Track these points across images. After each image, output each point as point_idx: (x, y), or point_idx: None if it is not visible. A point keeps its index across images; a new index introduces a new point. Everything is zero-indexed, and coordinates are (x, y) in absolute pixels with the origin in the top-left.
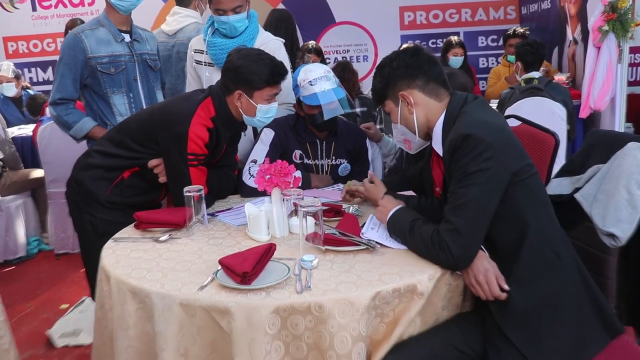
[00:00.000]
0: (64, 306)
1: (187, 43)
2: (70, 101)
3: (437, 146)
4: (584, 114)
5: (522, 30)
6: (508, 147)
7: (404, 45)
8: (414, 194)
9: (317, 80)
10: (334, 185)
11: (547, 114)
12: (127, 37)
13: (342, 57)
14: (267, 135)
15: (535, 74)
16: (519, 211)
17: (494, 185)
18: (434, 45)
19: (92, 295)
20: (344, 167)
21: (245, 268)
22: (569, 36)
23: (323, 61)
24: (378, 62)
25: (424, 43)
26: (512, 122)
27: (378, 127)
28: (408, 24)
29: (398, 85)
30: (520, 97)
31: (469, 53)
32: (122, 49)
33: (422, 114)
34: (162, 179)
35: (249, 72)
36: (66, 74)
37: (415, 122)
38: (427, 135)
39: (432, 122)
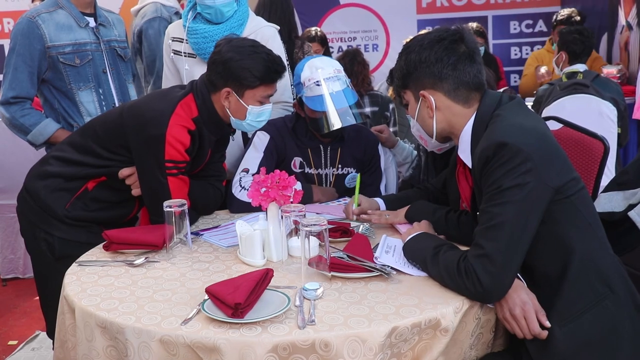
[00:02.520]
0: (12, 342)
1: (142, 28)
2: (26, 100)
3: (465, 155)
4: (638, 114)
5: (574, 14)
6: (550, 158)
7: (441, 28)
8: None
9: (326, 81)
10: (340, 200)
11: (594, 114)
12: (91, 22)
13: (348, 46)
14: (261, 139)
15: (580, 67)
16: (562, 234)
17: (533, 204)
18: None
19: (48, 329)
20: (352, 177)
21: (237, 298)
22: (622, 20)
23: (327, 51)
24: (393, 50)
25: (456, 25)
26: (552, 125)
27: (392, 129)
28: (426, 6)
29: (422, 81)
30: (561, 94)
31: (498, 41)
32: (86, 36)
33: (444, 119)
34: (136, 191)
35: (241, 67)
36: (20, 67)
37: (435, 126)
38: (447, 139)
39: (457, 128)
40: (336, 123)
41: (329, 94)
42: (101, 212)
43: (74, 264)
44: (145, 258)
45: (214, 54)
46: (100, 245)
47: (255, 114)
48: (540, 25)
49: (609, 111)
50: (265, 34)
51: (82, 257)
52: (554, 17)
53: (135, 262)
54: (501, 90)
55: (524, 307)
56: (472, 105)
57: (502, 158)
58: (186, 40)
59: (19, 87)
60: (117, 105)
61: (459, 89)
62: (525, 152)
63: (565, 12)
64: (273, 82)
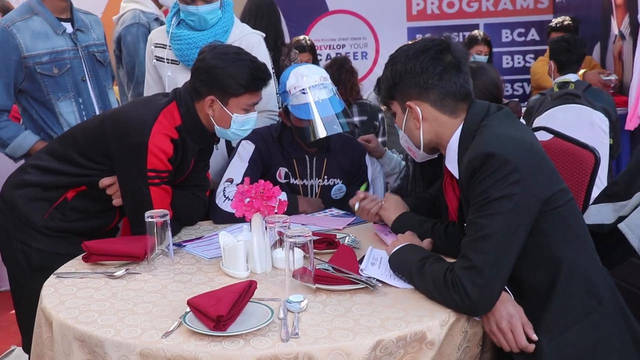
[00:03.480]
0: None
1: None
2: (2, 112)
3: (452, 166)
4: (631, 125)
5: (566, 20)
6: (538, 169)
7: (427, 37)
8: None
9: (312, 89)
10: (326, 210)
11: (585, 125)
12: (68, 27)
13: (337, 54)
14: (246, 149)
15: (571, 77)
16: (550, 246)
17: (520, 215)
18: None
19: (24, 342)
20: (338, 188)
21: (219, 311)
22: (614, 30)
23: (315, 59)
24: (383, 57)
25: (442, 35)
26: (542, 136)
27: (380, 139)
28: (417, 13)
29: (407, 92)
30: (552, 104)
31: None
32: (64, 43)
33: (431, 129)
34: (117, 201)
35: (225, 75)
36: None
37: (422, 137)
38: (435, 149)
39: (444, 139)
40: (322, 132)
41: (314, 102)
42: (81, 223)
43: (52, 275)
44: (126, 270)
45: (198, 62)
46: (80, 257)
47: (239, 123)
48: (533, 34)
49: (601, 121)
50: (251, 41)
51: (61, 269)
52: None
53: (115, 274)
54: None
55: (511, 320)
56: (459, 116)
57: (489, 169)
58: (169, 46)
59: None
60: (97, 113)
61: (445, 99)
62: (513, 163)
63: (557, 20)
64: (258, 89)
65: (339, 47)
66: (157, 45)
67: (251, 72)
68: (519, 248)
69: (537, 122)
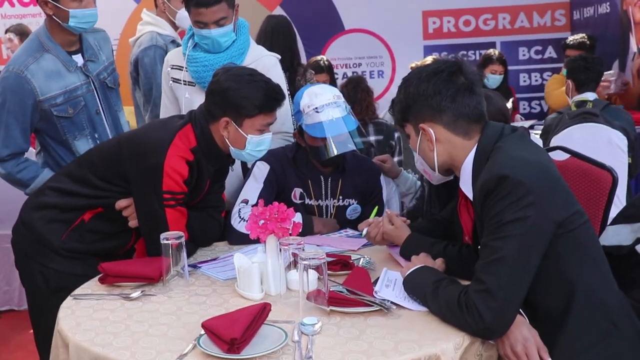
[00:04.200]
0: None
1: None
2: (20, 154)
3: (466, 188)
4: None
5: (582, 38)
6: (552, 191)
7: (439, 59)
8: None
9: (325, 107)
10: (341, 231)
11: (603, 144)
12: (79, 60)
13: (353, 72)
14: (261, 170)
15: (590, 96)
16: (564, 269)
17: (534, 238)
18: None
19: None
20: (353, 209)
21: (234, 333)
22: (633, 47)
23: (332, 80)
24: (399, 76)
25: (452, 56)
26: (559, 155)
27: (396, 159)
28: (433, 32)
29: (420, 114)
30: (570, 123)
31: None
32: (76, 79)
33: (445, 151)
34: (133, 222)
35: (239, 97)
36: (12, 124)
37: (436, 159)
38: (449, 171)
39: (458, 160)
40: (336, 150)
41: (328, 121)
42: (98, 244)
43: (69, 297)
44: (142, 291)
45: (212, 84)
46: (96, 278)
47: (254, 144)
48: (550, 52)
49: (619, 140)
50: (266, 63)
51: (78, 290)
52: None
53: (131, 296)
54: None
55: (526, 344)
56: (473, 137)
57: (503, 191)
58: (186, 68)
59: (12, 144)
60: None
61: (459, 120)
62: (527, 185)
63: (573, 37)
64: (272, 110)
65: (355, 65)
66: (174, 67)
67: (265, 93)
68: (533, 271)
69: (554, 141)
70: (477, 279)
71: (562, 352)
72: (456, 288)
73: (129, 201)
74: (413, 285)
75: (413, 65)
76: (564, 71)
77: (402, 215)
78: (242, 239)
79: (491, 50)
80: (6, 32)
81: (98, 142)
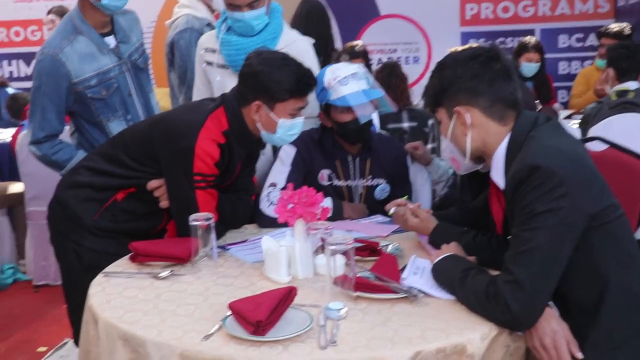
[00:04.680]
0: (41, 349)
1: (174, 39)
2: (56, 136)
3: (497, 177)
4: None
5: (622, 27)
6: (586, 183)
7: (474, 45)
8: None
9: (349, 79)
10: (371, 217)
11: None
12: (111, 42)
13: (388, 58)
14: (288, 153)
15: (631, 85)
16: (598, 262)
17: (566, 230)
18: (502, 47)
19: (75, 337)
20: (382, 188)
21: (259, 316)
22: None
23: (368, 67)
24: (435, 62)
25: (489, 43)
26: (597, 146)
27: (429, 146)
28: (470, 18)
29: (456, 98)
30: (609, 113)
31: (546, 55)
32: (109, 61)
33: (479, 137)
34: (164, 203)
35: (271, 80)
36: (48, 106)
37: (468, 145)
38: (479, 159)
39: (491, 147)
40: (365, 115)
41: (354, 92)
42: (130, 224)
43: (100, 274)
44: (171, 271)
45: (244, 67)
46: (127, 257)
47: (286, 128)
48: (592, 40)
49: None
50: (299, 47)
51: (109, 268)
52: (601, 30)
53: (160, 275)
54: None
55: (555, 337)
56: (508, 124)
57: (535, 181)
58: (219, 51)
59: (48, 126)
60: None
61: (495, 105)
62: (560, 176)
63: (611, 26)
64: (304, 95)
65: (390, 51)
66: (207, 50)
67: (297, 77)
68: (563, 263)
69: (593, 131)
70: (506, 269)
71: (593, 347)
72: (484, 277)
73: (160, 182)
74: (441, 273)
75: (452, 50)
76: (597, 61)
77: (433, 203)
78: (271, 223)
79: (527, 38)
80: (48, 13)
81: (130, 123)
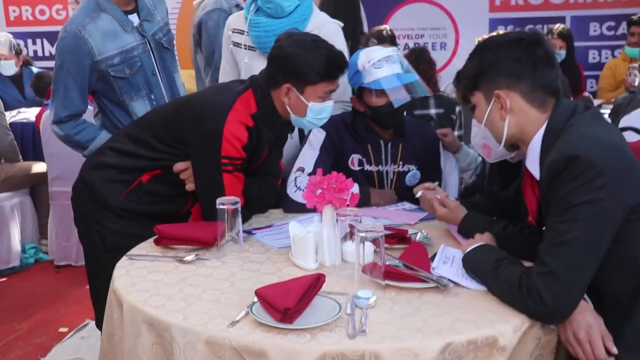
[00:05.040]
0: (62, 330)
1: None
2: (78, 116)
3: (533, 166)
4: None
5: None
6: (626, 174)
7: (517, 30)
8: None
9: (383, 62)
10: (398, 204)
11: None
12: (135, 20)
13: (415, 44)
14: (317, 137)
15: None
16: (636, 255)
17: (604, 222)
18: None
19: (97, 319)
20: (413, 174)
21: (287, 303)
22: None
23: None
24: (462, 49)
25: (519, 30)
26: (630, 136)
27: (456, 133)
28: (500, 4)
29: (497, 81)
30: None
31: (575, 43)
32: (132, 39)
33: (517, 123)
34: (190, 186)
35: (301, 63)
36: (71, 85)
37: (505, 130)
38: (514, 146)
39: (528, 135)
40: (399, 99)
41: (388, 76)
42: (154, 206)
43: (124, 257)
44: (196, 255)
45: (274, 49)
46: (151, 240)
47: (316, 111)
48: (623, 28)
49: None
50: (329, 30)
51: (133, 251)
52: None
53: (185, 259)
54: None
55: (589, 331)
56: (546, 111)
57: (573, 172)
58: (247, 32)
59: (71, 105)
60: None
61: (537, 91)
62: (599, 167)
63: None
64: (335, 78)
65: (417, 37)
66: (235, 31)
67: (328, 59)
68: (600, 256)
69: (624, 122)
70: (540, 261)
71: (628, 341)
72: (518, 269)
73: (186, 164)
74: (473, 263)
75: (479, 39)
76: (626, 49)
77: (460, 192)
78: (297, 208)
79: (556, 25)
80: None
81: (154, 103)
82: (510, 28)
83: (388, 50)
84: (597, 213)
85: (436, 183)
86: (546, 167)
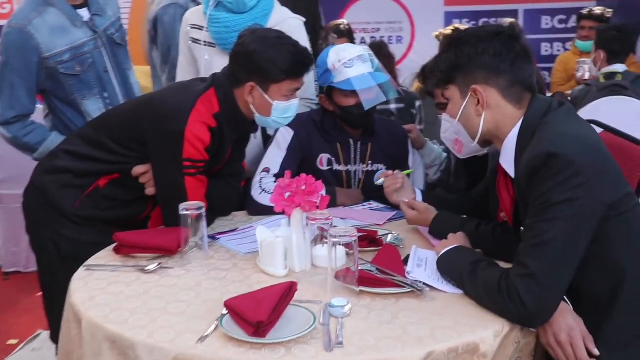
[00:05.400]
0: (12, 342)
1: (157, 15)
2: (27, 117)
3: (507, 164)
4: None
5: (603, 10)
6: (603, 171)
7: (494, 24)
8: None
9: (354, 61)
10: (365, 203)
11: (633, 118)
12: (85, 15)
13: (371, 38)
14: (284, 136)
15: (619, 68)
16: (614, 254)
17: (583, 221)
18: None
19: (52, 332)
20: (380, 173)
21: (259, 316)
22: None
23: None
24: (418, 44)
25: (473, 23)
26: None
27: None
28: None
29: (474, 75)
30: (597, 96)
31: (528, 36)
32: (83, 35)
33: (493, 119)
34: (150, 190)
35: (265, 60)
36: (17, 83)
37: (481, 126)
38: (487, 142)
39: (503, 131)
40: (367, 103)
41: (359, 75)
42: (112, 211)
43: (81, 267)
44: (159, 264)
45: (237, 46)
46: (110, 248)
47: (281, 110)
48: (573, 21)
49: None
50: (291, 25)
51: (91, 260)
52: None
53: (147, 268)
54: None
55: (571, 333)
56: (522, 108)
57: (551, 170)
58: (206, 28)
59: (18, 105)
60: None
61: (514, 87)
62: (577, 164)
63: (593, 8)
64: (300, 75)
65: (373, 30)
66: (193, 27)
67: (293, 56)
68: (580, 256)
69: (580, 115)
70: (520, 262)
71: (609, 342)
72: (496, 271)
73: (146, 167)
74: (448, 266)
75: (437, 33)
76: (576, 42)
77: (425, 188)
78: (262, 210)
79: (505, 20)
80: None
81: (108, 102)
82: (465, 21)
83: (359, 49)
84: (576, 212)
85: (408, 172)
86: (524, 165)
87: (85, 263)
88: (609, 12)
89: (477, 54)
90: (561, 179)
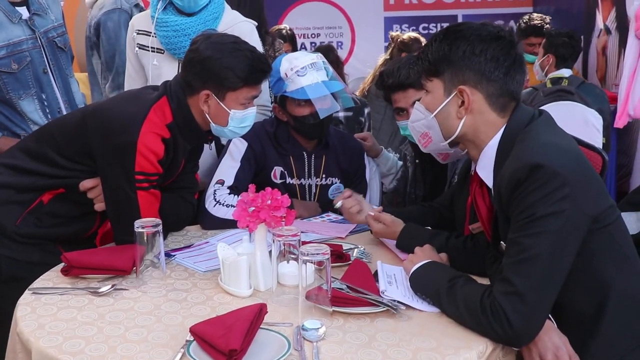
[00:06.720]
0: None
1: (100, 20)
2: None
3: (485, 173)
4: (620, 123)
5: (543, 19)
6: (587, 183)
7: (495, 25)
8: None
9: (307, 69)
10: (323, 215)
11: (579, 123)
12: (24, 13)
13: (311, 43)
14: (238, 147)
15: (565, 73)
16: (597, 268)
17: (569, 234)
18: (425, 32)
19: None
20: (336, 188)
21: (232, 344)
22: (599, 24)
23: (295, 51)
24: (358, 49)
25: (413, 28)
26: None
27: None
28: (394, 3)
29: (464, 75)
30: (544, 101)
31: None
32: (21, 32)
33: (473, 124)
34: (99, 205)
35: (221, 67)
36: None
37: (458, 129)
38: (456, 144)
39: (482, 138)
40: (325, 109)
41: (313, 84)
42: (57, 228)
43: (27, 291)
44: (112, 285)
45: (191, 52)
46: (57, 268)
47: (238, 119)
48: (512, 26)
49: (595, 120)
50: (243, 29)
51: (37, 283)
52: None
53: (100, 290)
54: None
55: (557, 352)
56: (505, 116)
57: (536, 182)
58: (154, 33)
59: None
60: (62, 109)
61: (503, 95)
62: (563, 176)
63: (534, 19)
64: (258, 82)
65: (313, 36)
66: (140, 32)
67: (250, 63)
68: (566, 271)
69: None
70: (504, 279)
71: (594, 359)
72: (476, 288)
73: (95, 182)
74: (422, 284)
75: (394, 34)
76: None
77: (381, 196)
78: (216, 224)
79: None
80: None
81: (46, 103)
82: (405, 27)
83: (312, 57)
84: (562, 225)
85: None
86: (506, 177)
87: (31, 286)
88: (548, 19)
89: (473, 53)
90: (546, 192)
